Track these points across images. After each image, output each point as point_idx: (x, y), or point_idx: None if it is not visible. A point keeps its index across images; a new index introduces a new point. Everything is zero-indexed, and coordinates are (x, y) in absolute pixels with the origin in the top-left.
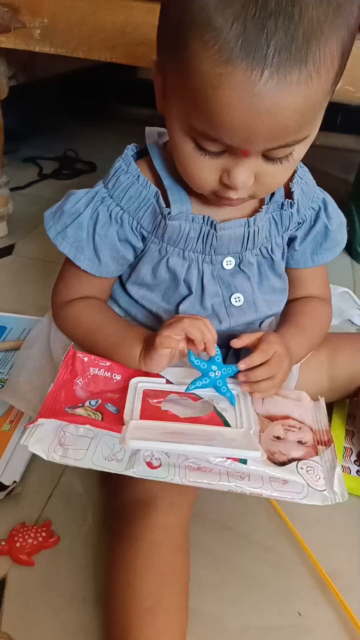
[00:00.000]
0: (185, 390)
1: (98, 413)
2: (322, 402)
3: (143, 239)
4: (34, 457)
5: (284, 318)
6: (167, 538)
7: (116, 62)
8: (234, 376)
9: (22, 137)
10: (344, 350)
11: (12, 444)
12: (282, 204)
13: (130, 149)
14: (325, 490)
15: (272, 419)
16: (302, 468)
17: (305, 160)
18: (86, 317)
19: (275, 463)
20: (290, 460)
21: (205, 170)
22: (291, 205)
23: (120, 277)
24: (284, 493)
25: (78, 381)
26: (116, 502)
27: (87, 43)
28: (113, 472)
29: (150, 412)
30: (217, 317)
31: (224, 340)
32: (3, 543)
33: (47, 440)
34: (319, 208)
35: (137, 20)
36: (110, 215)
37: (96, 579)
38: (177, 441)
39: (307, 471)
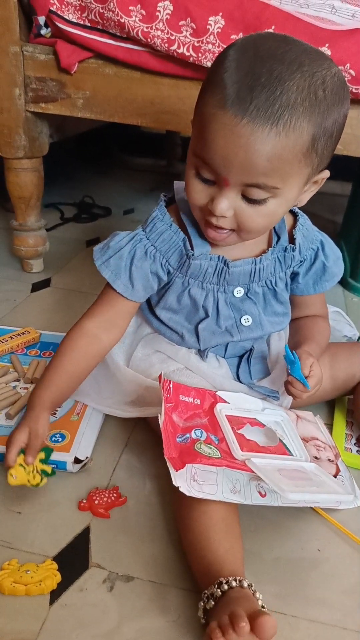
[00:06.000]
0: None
1: (214, 449)
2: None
3: (168, 273)
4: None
5: (301, 334)
6: None
7: (145, 126)
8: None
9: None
10: (341, 356)
11: (81, 430)
12: (286, 248)
13: (162, 199)
14: (353, 494)
15: (305, 440)
16: (340, 481)
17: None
18: (62, 350)
19: None
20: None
21: (199, 193)
22: (293, 250)
23: (150, 306)
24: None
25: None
26: None
27: (122, 111)
28: (238, 502)
29: (241, 442)
30: (229, 333)
31: (237, 350)
32: (85, 501)
33: (184, 479)
34: (318, 248)
35: (164, 94)
36: (145, 252)
37: (157, 525)
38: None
39: (342, 482)
